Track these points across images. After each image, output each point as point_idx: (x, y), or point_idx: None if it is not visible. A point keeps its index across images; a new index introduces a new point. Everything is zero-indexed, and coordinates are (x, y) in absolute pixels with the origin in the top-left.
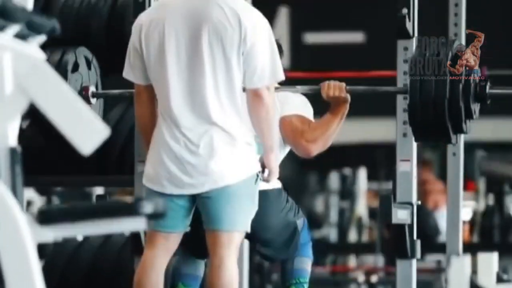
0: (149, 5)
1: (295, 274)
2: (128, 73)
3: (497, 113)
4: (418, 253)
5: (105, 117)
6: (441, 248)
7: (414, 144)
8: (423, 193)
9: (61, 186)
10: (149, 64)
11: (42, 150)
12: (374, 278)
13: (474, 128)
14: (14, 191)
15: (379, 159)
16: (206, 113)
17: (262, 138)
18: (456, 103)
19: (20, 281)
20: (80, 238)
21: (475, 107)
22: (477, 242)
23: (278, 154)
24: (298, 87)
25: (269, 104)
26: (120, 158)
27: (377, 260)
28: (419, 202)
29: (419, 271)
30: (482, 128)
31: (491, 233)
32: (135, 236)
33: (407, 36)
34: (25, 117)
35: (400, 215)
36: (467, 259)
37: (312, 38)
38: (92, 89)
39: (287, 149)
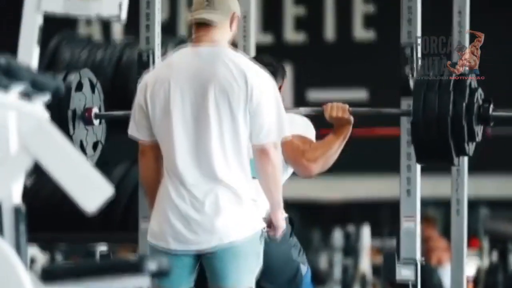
0: (153, 64)
1: None
2: (133, 131)
3: (501, 170)
4: None
5: (110, 174)
6: None
7: (418, 201)
8: (426, 250)
9: (65, 242)
10: (155, 122)
11: (45, 207)
12: None
13: (478, 185)
14: (19, 250)
15: (383, 216)
16: (212, 170)
17: (268, 194)
18: (459, 121)
19: None
20: None
21: (478, 130)
22: None
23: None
24: (301, 108)
25: (276, 160)
26: (124, 215)
27: None
28: (423, 259)
29: None
30: (486, 185)
31: None
32: None
33: (410, 93)
34: (29, 174)
35: (404, 273)
36: None
37: (315, 94)
38: (95, 110)
39: (290, 171)
